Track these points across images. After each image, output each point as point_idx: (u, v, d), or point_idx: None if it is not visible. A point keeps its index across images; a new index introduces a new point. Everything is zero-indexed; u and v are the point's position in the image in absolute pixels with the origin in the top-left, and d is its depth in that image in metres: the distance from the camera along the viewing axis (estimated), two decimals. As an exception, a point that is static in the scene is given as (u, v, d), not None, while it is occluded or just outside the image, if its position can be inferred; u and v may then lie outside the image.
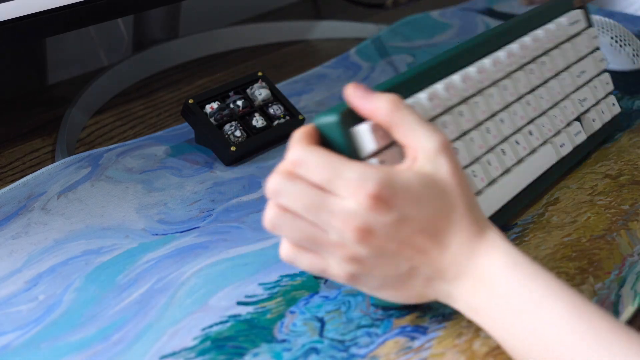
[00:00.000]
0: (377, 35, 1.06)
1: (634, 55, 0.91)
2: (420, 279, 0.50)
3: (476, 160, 0.61)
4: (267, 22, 1.12)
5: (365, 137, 0.51)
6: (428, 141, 0.50)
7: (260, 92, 0.80)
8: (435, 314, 0.55)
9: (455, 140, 0.59)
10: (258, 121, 0.78)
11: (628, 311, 0.56)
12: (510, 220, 0.65)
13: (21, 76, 0.98)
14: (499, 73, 0.64)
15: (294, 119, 0.80)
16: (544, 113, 0.68)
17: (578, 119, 0.72)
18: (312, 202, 0.49)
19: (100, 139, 0.84)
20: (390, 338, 0.53)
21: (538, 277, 0.49)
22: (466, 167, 0.60)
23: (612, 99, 0.76)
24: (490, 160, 0.61)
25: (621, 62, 0.90)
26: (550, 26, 0.71)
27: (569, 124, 0.71)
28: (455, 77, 0.60)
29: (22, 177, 0.75)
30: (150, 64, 1.00)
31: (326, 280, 0.59)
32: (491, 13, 1.15)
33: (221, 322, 0.55)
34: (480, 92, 0.62)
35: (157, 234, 0.66)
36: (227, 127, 0.77)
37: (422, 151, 0.50)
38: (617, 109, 0.77)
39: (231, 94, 0.80)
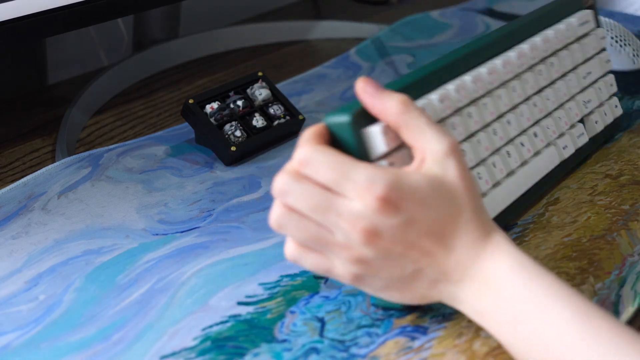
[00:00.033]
0: (377, 35, 1.06)
1: (634, 55, 0.91)
2: (425, 281, 0.50)
3: (482, 162, 0.60)
4: (267, 22, 1.12)
5: (376, 139, 0.51)
6: (437, 143, 0.50)
7: (260, 92, 0.80)
8: (436, 314, 0.55)
9: (463, 141, 0.59)
10: (258, 121, 0.78)
11: (628, 311, 0.56)
12: (511, 220, 0.65)
13: (21, 76, 0.98)
14: (508, 74, 0.64)
15: (294, 119, 0.80)
16: (549, 114, 0.68)
17: (581, 120, 0.72)
18: (319, 202, 0.49)
19: (100, 139, 0.84)
20: (390, 338, 0.53)
21: (543, 280, 0.49)
22: (472, 169, 0.59)
23: (615, 100, 0.76)
24: (495, 162, 0.61)
25: (621, 62, 0.90)
26: (561, 26, 0.70)
27: (572, 126, 0.70)
28: (467, 78, 0.60)
29: (22, 177, 0.75)
30: (150, 64, 1.00)
31: (326, 280, 0.59)
32: (491, 13, 1.15)
33: (221, 322, 0.55)
34: (489, 93, 0.62)
35: (157, 234, 0.66)
36: (227, 127, 0.77)
37: (431, 153, 0.50)
38: (619, 111, 0.76)
39: (231, 94, 0.80)
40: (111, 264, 0.62)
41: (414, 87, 0.56)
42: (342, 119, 0.50)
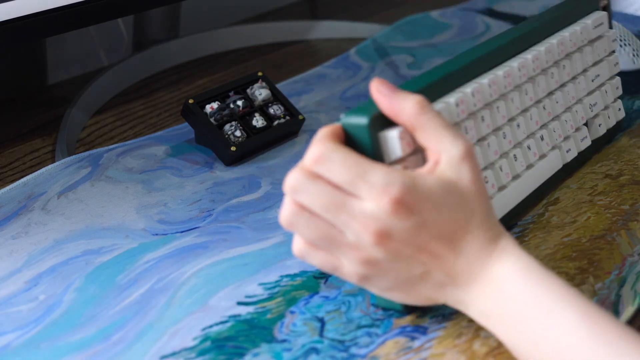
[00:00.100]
0: (377, 35, 1.06)
1: (634, 55, 0.91)
2: (432, 283, 0.50)
3: (490, 166, 0.60)
4: (267, 22, 1.12)
5: (393, 143, 0.51)
6: (452, 147, 0.50)
7: (260, 92, 0.80)
8: (435, 314, 0.55)
9: (474, 145, 0.59)
10: (258, 121, 0.78)
11: (628, 311, 0.56)
12: (511, 221, 0.65)
13: (21, 76, 0.98)
14: (523, 77, 0.63)
15: (294, 119, 0.80)
16: (556, 117, 0.68)
17: (585, 123, 0.72)
18: (331, 202, 0.48)
19: (100, 139, 0.84)
20: (390, 338, 0.53)
21: (549, 284, 0.48)
22: None
23: (619, 103, 0.76)
24: (502, 166, 0.61)
25: (621, 62, 0.90)
26: (576, 28, 0.70)
27: (577, 129, 0.70)
28: (484, 81, 0.59)
29: (22, 177, 0.75)
30: (150, 64, 1.00)
31: (326, 280, 0.59)
32: (491, 13, 1.15)
33: (221, 322, 0.55)
34: (502, 96, 0.62)
35: (157, 234, 0.66)
36: (227, 127, 0.77)
37: (446, 157, 0.50)
38: (622, 114, 0.76)
39: (231, 94, 0.80)
40: (111, 264, 0.62)
41: (430, 89, 0.55)
42: (360, 121, 0.50)
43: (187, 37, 1.04)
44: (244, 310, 0.56)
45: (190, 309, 0.57)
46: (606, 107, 0.74)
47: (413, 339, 0.53)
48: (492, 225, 0.51)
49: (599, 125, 0.73)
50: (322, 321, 0.55)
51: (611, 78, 0.75)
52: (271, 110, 0.80)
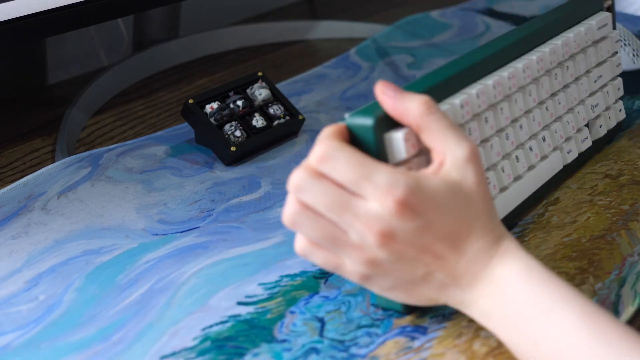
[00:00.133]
0: (377, 35, 1.06)
1: (634, 55, 0.91)
2: (434, 284, 0.50)
3: (492, 167, 0.60)
4: (267, 22, 1.12)
5: (398, 145, 0.51)
6: (458, 149, 0.50)
7: (260, 92, 0.80)
8: (435, 314, 0.55)
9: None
10: (258, 121, 0.78)
11: (628, 311, 0.56)
12: (511, 221, 0.65)
13: (21, 76, 0.98)
14: (527, 79, 0.63)
15: (294, 119, 0.80)
16: (558, 118, 0.68)
17: (587, 124, 0.72)
18: (335, 201, 0.48)
19: (100, 139, 0.84)
20: (390, 338, 0.53)
21: (549, 284, 0.48)
22: None
23: (620, 104, 0.76)
24: (504, 167, 0.61)
25: (621, 62, 0.90)
26: (581, 28, 0.70)
27: (578, 130, 0.70)
28: (489, 83, 0.59)
29: (22, 177, 0.75)
30: (150, 64, 1.00)
31: (326, 280, 0.59)
32: (491, 13, 1.15)
33: (221, 322, 0.55)
34: (506, 97, 0.61)
35: (157, 234, 0.66)
36: (227, 127, 0.77)
37: (451, 158, 0.50)
38: (622, 115, 0.76)
39: (231, 94, 0.80)
40: (111, 264, 0.62)
41: (435, 90, 0.55)
42: (366, 122, 0.50)
43: (187, 37, 1.04)
44: (244, 310, 0.56)
45: (190, 309, 0.57)
46: (607, 108, 0.74)
47: (413, 339, 0.53)
48: (495, 227, 0.51)
49: (600, 126, 0.73)
50: (322, 321, 0.55)
51: (613, 79, 0.75)
52: (271, 110, 0.80)
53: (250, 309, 0.56)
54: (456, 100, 0.56)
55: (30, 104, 0.92)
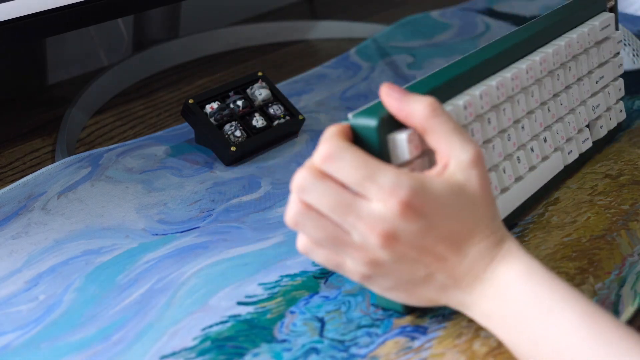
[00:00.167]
0: (377, 35, 1.06)
1: (634, 55, 0.91)
2: (435, 285, 0.50)
3: (493, 168, 0.60)
4: (267, 22, 1.12)
5: (401, 146, 0.51)
6: (462, 152, 0.49)
7: (260, 92, 0.80)
8: (435, 314, 0.55)
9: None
10: (258, 121, 0.78)
11: (628, 311, 0.56)
12: (511, 222, 0.65)
13: (21, 76, 0.98)
14: (530, 79, 0.63)
15: (294, 119, 0.80)
16: (560, 119, 0.68)
17: (588, 125, 0.72)
18: (339, 202, 0.48)
19: (100, 139, 0.84)
20: (390, 338, 0.53)
21: (550, 284, 0.49)
22: None
23: (621, 105, 0.76)
24: (506, 168, 0.61)
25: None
26: (584, 29, 0.69)
27: (579, 131, 0.70)
28: (492, 84, 0.59)
29: (22, 177, 0.75)
30: (150, 64, 1.00)
31: (326, 280, 0.59)
32: (491, 13, 1.15)
33: (221, 322, 0.55)
34: (509, 98, 0.61)
35: (157, 234, 0.66)
36: (227, 127, 0.77)
37: (455, 161, 0.49)
38: (623, 116, 0.76)
39: (231, 94, 0.80)
40: (111, 264, 0.62)
41: (439, 90, 0.55)
42: (369, 122, 0.50)
43: (187, 37, 1.04)
44: (244, 310, 0.56)
45: (190, 309, 0.57)
46: (608, 109, 0.74)
47: (413, 339, 0.53)
48: (497, 229, 0.51)
49: (601, 127, 0.73)
50: (322, 321, 0.55)
51: (615, 79, 0.75)
52: (271, 110, 0.80)
53: (250, 309, 0.56)
54: (460, 101, 0.56)
55: (30, 104, 0.92)
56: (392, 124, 0.51)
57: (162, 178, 0.74)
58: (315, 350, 0.52)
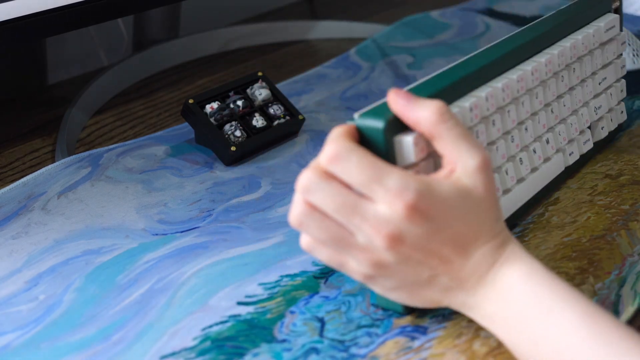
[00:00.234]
0: (377, 35, 1.06)
1: (634, 55, 0.91)
2: (437, 286, 0.50)
3: (497, 169, 0.60)
4: (267, 22, 1.12)
5: (408, 149, 0.51)
6: (469, 158, 0.49)
7: (260, 92, 0.80)
8: (435, 314, 0.55)
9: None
10: (258, 121, 0.78)
11: (628, 311, 0.56)
12: (511, 222, 0.65)
13: (21, 76, 0.98)
14: (535, 81, 0.63)
15: (294, 119, 0.80)
16: (562, 121, 0.68)
17: (589, 126, 0.72)
18: (344, 203, 0.48)
19: (100, 139, 0.84)
20: (390, 338, 0.53)
21: (550, 284, 0.49)
22: None
23: (622, 106, 0.76)
24: (508, 169, 0.61)
25: (622, 62, 0.90)
26: (589, 30, 0.69)
27: (581, 132, 0.70)
28: (498, 85, 0.59)
29: (22, 177, 0.75)
30: (150, 64, 1.00)
31: (326, 280, 0.59)
32: (491, 13, 1.15)
33: (221, 322, 0.55)
34: (514, 99, 0.61)
35: (157, 234, 0.66)
36: (227, 127, 0.77)
37: (462, 167, 0.49)
38: (624, 117, 0.76)
39: (231, 94, 0.80)
40: (111, 264, 0.62)
41: (444, 92, 0.55)
42: (376, 124, 0.50)
43: (187, 37, 1.04)
44: (244, 310, 0.56)
45: (190, 309, 0.57)
46: (610, 110, 0.74)
47: (413, 339, 0.53)
48: (500, 231, 0.51)
49: (602, 128, 0.73)
50: (322, 321, 0.55)
51: (617, 81, 0.75)
52: (271, 110, 0.80)
53: (250, 309, 0.56)
54: (466, 103, 0.56)
55: (30, 104, 0.92)
56: (399, 125, 0.51)
57: (162, 178, 0.74)
58: (315, 350, 0.52)
